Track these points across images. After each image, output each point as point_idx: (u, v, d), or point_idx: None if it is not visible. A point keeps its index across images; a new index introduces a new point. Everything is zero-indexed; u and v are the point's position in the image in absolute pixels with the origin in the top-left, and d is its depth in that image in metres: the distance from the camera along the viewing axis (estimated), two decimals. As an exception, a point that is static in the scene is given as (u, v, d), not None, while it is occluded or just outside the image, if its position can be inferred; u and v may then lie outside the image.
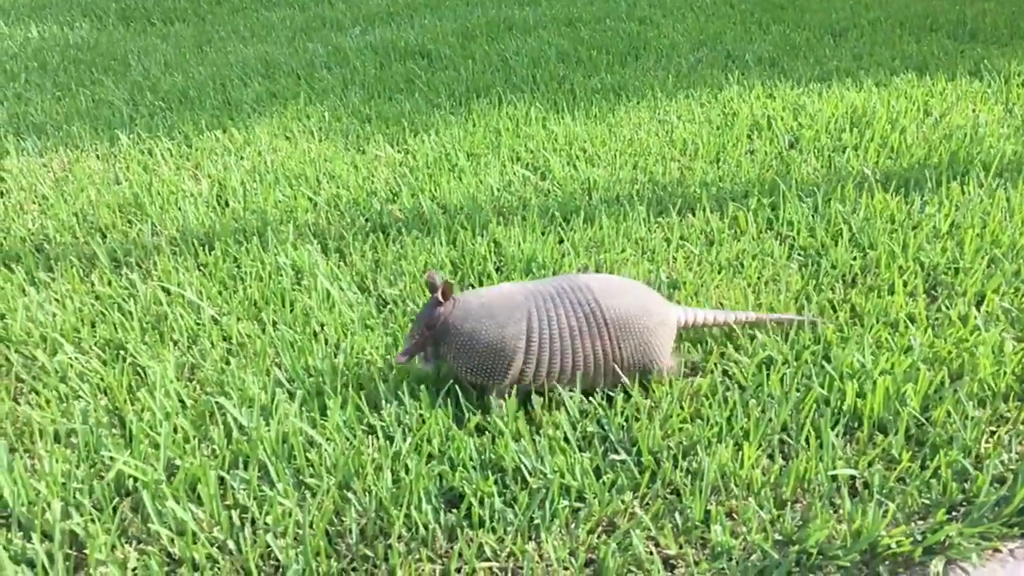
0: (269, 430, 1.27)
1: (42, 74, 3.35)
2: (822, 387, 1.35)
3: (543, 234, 1.94)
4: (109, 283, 1.79)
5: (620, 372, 1.30)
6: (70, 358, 1.49)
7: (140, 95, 3.05)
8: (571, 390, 1.30)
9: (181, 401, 1.40)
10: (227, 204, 2.18)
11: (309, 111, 2.86)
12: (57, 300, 1.72)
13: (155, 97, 3.02)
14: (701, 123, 2.62)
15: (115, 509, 1.17)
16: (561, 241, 1.90)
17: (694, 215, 2.00)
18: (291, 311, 1.66)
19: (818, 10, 4.05)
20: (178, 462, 1.24)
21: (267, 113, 2.85)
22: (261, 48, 3.76)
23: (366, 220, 2.09)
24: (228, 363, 1.50)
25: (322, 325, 1.60)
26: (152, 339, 1.58)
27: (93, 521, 1.15)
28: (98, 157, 2.49)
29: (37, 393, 1.43)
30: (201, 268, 1.85)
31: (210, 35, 4.03)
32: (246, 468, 1.24)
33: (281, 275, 1.79)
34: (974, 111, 2.61)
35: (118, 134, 2.63)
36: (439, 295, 1.30)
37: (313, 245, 1.91)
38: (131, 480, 1.21)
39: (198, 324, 1.61)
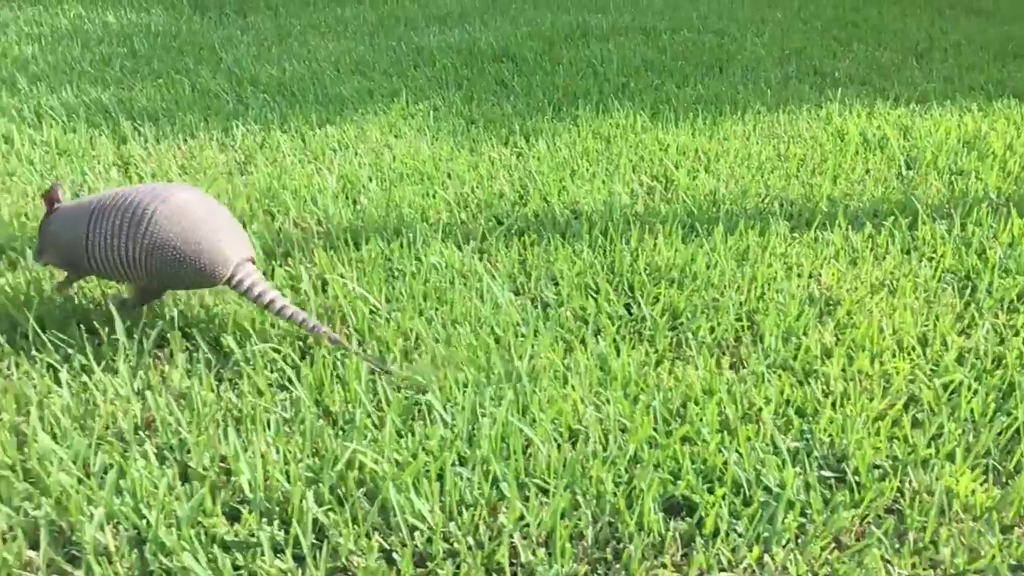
0: (486, 429, 1.29)
1: (134, 60, 3.36)
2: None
3: (685, 243, 1.96)
4: (271, 273, 1.81)
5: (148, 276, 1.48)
6: (267, 348, 1.51)
7: (240, 86, 3.07)
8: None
9: (374, 394, 1.42)
10: (355, 201, 2.19)
11: (412, 110, 2.88)
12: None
13: (256, 89, 3.03)
14: (809, 139, 2.64)
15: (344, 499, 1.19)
16: (699, 249, 1.92)
17: (830, 231, 2.02)
18: (453, 309, 1.68)
19: (896, 30, 4.08)
20: (396, 456, 1.26)
21: (370, 110, 2.87)
22: (343, 44, 3.78)
23: (498, 221, 2.11)
24: (410, 359, 1.52)
25: (491, 327, 1.62)
26: (332, 329, 1.60)
27: (333, 511, 1.17)
28: (219, 146, 2.51)
29: (236, 383, 1.45)
30: (353, 264, 1.86)
31: (289, 28, 4.05)
32: (463, 465, 1.26)
33: (436, 273, 1.81)
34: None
35: (232, 124, 2.65)
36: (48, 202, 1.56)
37: (469, 246, 1.93)
38: (357, 471, 1.23)
39: (372, 318, 1.63)
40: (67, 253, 1.52)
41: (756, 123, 2.78)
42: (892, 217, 2.06)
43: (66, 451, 1.23)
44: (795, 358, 1.55)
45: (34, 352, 1.50)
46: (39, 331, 1.52)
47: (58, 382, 1.43)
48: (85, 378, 1.43)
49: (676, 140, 2.60)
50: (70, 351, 1.49)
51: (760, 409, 1.40)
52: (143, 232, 1.44)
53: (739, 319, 1.67)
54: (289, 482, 1.21)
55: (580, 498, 1.20)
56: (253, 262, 1.54)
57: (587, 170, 2.40)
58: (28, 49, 3.48)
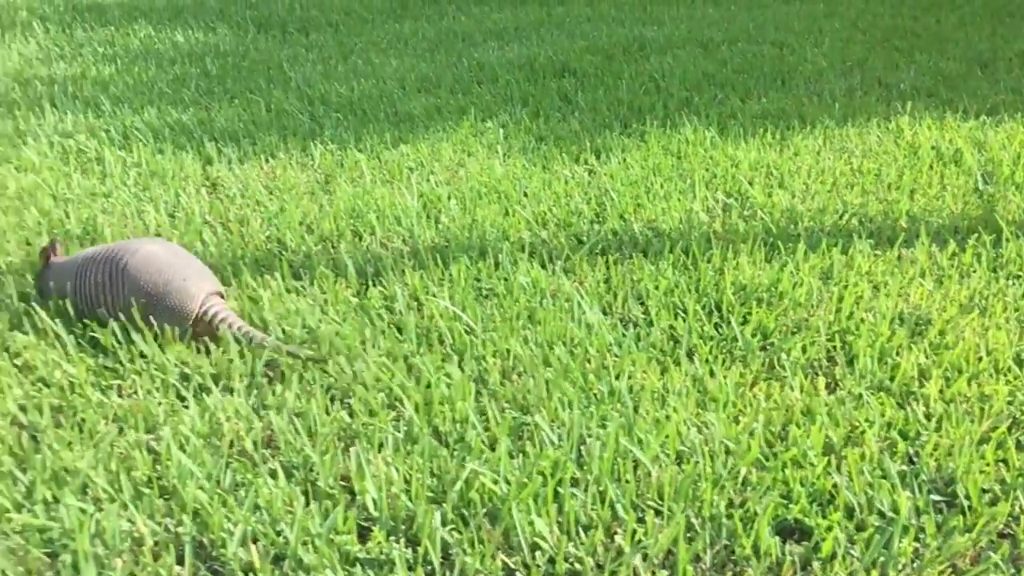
0: (597, 451, 1.33)
1: (208, 80, 3.46)
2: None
3: (768, 262, 1.98)
4: (362, 293, 1.86)
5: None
6: (373, 367, 1.56)
7: (312, 105, 3.15)
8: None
9: (481, 414, 1.46)
10: (437, 221, 2.24)
11: (481, 127, 2.93)
12: (320, 308, 1.79)
13: (328, 108, 3.11)
14: (881, 154, 2.64)
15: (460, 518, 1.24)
16: (783, 268, 1.94)
17: (913, 249, 2.03)
18: (546, 329, 1.72)
19: (957, 39, 4.05)
20: (511, 477, 1.30)
21: (440, 128, 2.93)
22: (405, 61, 3.85)
23: (578, 240, 2.15)
24: (511, 379, 1.57)
25: (585, 347, 1.66)
26: (424, 350, 1.65)
27: (457, 531, 1.21)
28: (299, 165, 2.58)
29: (347, 403, 1.50)
30: (445, 283, 1.91)
31: (351, 46, 4.13)
32: (575, 486, 1.30)
33: (525, 293, 1.85)
34: None
35: (310, 144, 2.72)
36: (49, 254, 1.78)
37: (554, 265, 1.97)
38: (477, 491, 1.27)
39: (468, 336, 1.68)
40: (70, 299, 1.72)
41: (826, 137, 2.79)
42: (975, 234, 2.06)
43: (200, 468, 1.29)
44: (892, 379, 1.56)
45: (155, 371, 1.56)
46: (161, 350, 1.59)
47: (180, 399, 1.50)
48: (204, 397, 1.49)
49: (747, 156, 2.62)
50: (187, 370, 1.56)
51: (863, 432, 1.41)
52: (120, 285, 1.64)
53: (830, 339, 1.69)
54: (412, 501, 1.25)
55: (694, 520, 1.23)
56: (222, 296, 1.71)
57: (660, 187, 2.43)
58: (105, 70, 3.61)
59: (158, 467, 1.33)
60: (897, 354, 1.64)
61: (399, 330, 1.73)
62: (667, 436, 1.38)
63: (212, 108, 3.09)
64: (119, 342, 1.63)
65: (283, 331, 1.71)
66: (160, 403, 1.48)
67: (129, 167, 2.52)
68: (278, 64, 3.75)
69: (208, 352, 1.63)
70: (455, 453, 1.37)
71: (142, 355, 1.61)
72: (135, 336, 1.62)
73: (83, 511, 1.20)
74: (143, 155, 2.59)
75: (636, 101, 3.18)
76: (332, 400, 1.51)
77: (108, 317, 1.66)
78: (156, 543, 1.18)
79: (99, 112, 2.99)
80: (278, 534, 1.19)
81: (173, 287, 1.64)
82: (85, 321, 1.69)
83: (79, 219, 2.16)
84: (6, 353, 1.63)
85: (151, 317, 1.64)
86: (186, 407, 1.47)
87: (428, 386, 1.54)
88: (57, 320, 1.67)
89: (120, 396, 1.51)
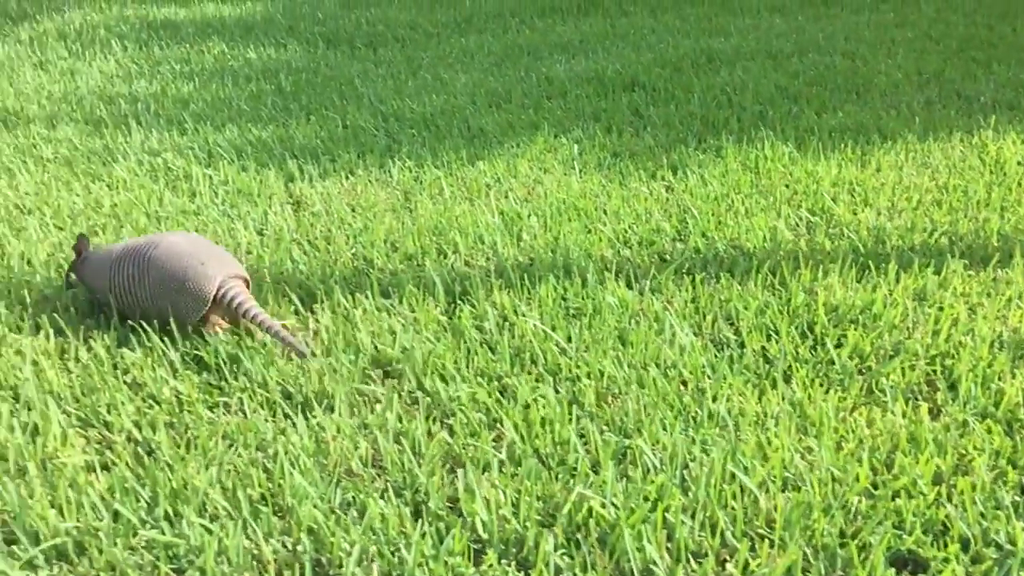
0: (703, 476, 1.33)
1: (283, 97, 3.54)
2: None
3: (859, 282, 1.96)
4: (451, 312, 1.89)
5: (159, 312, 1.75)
6: (469, 389, 1.58)
7: (387, 122, 3.20)
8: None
9: (580, 436, 1.47)
10: (519, 238, 2.26)
11: (555, 143, 2.94)
12: (412, 327, 1.82)
13: (402, 124, 3.16)
14: (965, 169, 2.59)
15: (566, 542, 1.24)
16: (876, 289, 1.91)
17: (1008, 270, 1.98)
18: (638, 350, 1.72)
19: (1037, 49, 3.94)
20: (616, 501, 1.31)
21: (514, 143, 2.95)
22: (473, 76, 3.89)
23: (661, 258, 2.15)
24: (607, 401, 1.57)
25: (679, 369, 1.66)
26: (517, 370, 1.67)
27: (569, 555, 1.22)
28: (378, 182, 2.63)
29: (447, 423, 1.52)
30: (533, 303, 1.93)
31: (418, 61, 4.18)
32: (683, 512, 1.30)
33: (613, 312, 1.86)
34: None
35: (388, 160, 2.77)
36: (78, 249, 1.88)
37: (641, 284, 1.97)
38: (585, 515, 1.28)
39: (561, 357, 1.69)
40: (99, 292, 1.83)
41: (907, 152, 2.74)
42: (1075, 255, 2.01)
43: (313, 487, 1.32)
44: (996, 406, 1.53)
45: (256, 388, 1.61)
46: (264, 370, 1.63)
47: (285, 417, 1.53)
48: (308, 415, 1.53)
49: (828, 172, 2.59)
50: (291, 389, 1.60)
51: (971, 460, 1.39)
52: (146, 275, 1.73)
53: (929, 363, 1.66)
54: (521, 524, 1.27)
55: (807, 550, 1.22)
56: (247, 282, 1.78)
57: (741, 204, 2.41)
58: (184, 87, 3.71)
59: (270, 485, 1.36)
60: (1000, 379, 1.60)
61: (491, 350, 1.74)
62: (774, 463, 1.37)
63: (290, 125, 3.16)
64: (224, 360, 1.68)
65: (376, 349, 1.74)
66: (267, 420, 1.52)
67: (216, 185, 2.59)
68: (349, 80, 3.81)
69: (305, 371, 1.66)
70: (558, 476, 1.38)
71: (245, 373, 1.65)
72: (241, 354, 1.66)
73: (208, 529, 1.24)
74: (228, 173, 2.66)
75: (709, 115, 3.17)
76: (432, 420, 1.53)
77: (139, 308, 1.76)
78: (277, 562, 1.21)
79: (183, 130, 3.08)
80: (394, 554, 1.21)
81: (191, 271, 1.71)
82: (189, 339, 1.74)
83: (173, 236, 2.23)
84: (115, 370, 1.68)
85: (175, 304, 1.72)
86: (293, 425, 1.50)
87: (526, 407, 1.55)
88: (164, 338, 1.73)
89: (228, 413, 1.56)
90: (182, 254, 1.73)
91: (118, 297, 1.78)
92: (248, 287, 1.79)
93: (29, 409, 1.54)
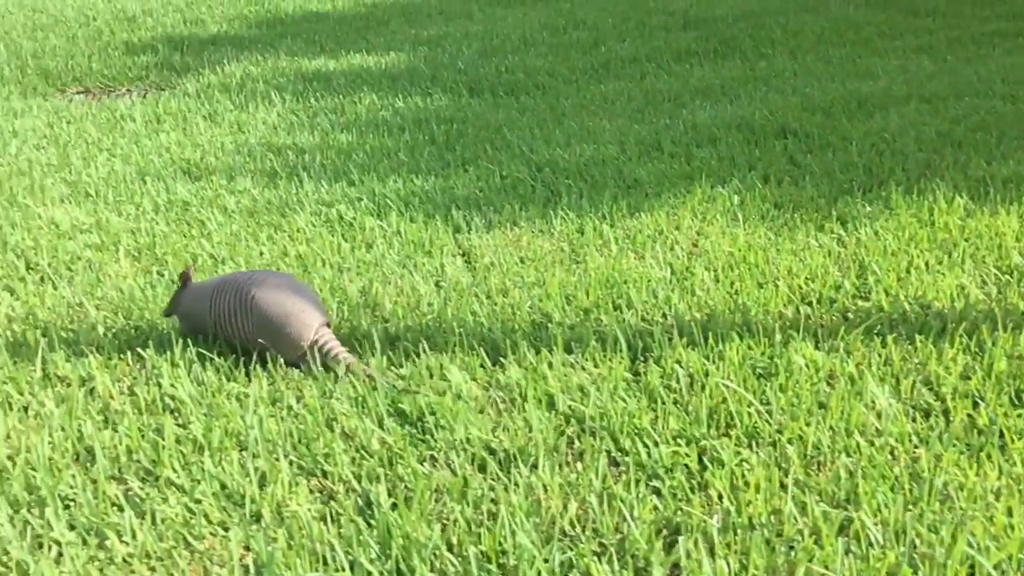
0: (940, 557, 1.28)
1: (437, 146, 3.67)
2: None
3: (1067, 348, 1.86)
4: (636, 369, 1.90)
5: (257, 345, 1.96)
6: (667, 450, 1.59)
7: (540, 171, 3.27)
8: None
9: (797, 504, 1.45)
10: (692, 293, 2.26)
11: (714, 193, 2.93)
12: (600, 383, 1.84)
13: (556, 174, 3.22)
14: None
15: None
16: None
17: None
18: (839, 415, 1.68)
19: None
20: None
21: (671, 193, 2.96)
22: (618, 123, 3.93)
23: (843, 316, 2.10)
24: (813, 468, 1.55)
25: (885, 437, 1.61)
26: (714, 432, 1.66)
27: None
28: (540, 233, 2.68)
29: (653, 485, 1.53)
30: (713, 360, 1.92)
31: (561, 108, 4.26)
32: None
33: (804, 374, 1.83)
34: None
35: (549, 211, 2.83)
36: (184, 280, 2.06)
37: (833, 344, 1.93)
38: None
39: (758, 419, 1.67)
40: (197, 319, 2.02)
41: (1096, 204, 2.60)
42: None
43: (535, 548, 1.35)
44: None
45: (459, 443, 1.66)
46: (466, 428, 1.69)
47: (495, 478, 1.58)
48: (514, 472, 1.57)
49: (1009, 225, 2.49)
50: (493, 445, 1.65)
51: None
52: (247, 313, 1.92)
53: None
54: (749, 598, 1.26)
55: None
56: (329, 326, 1.96)
57: (920, 259, 2.34)
58: (343, 138, 3.90)
59: (491, 542, 1.40)
60: None
61: (684, 409, 1.75)
62: (1008, 545, 1.31)
63: (449, 176, 3.27)
64: (423, 412, 1.75)
65: (570, 408, 1.77)
66: (472, 475, 1.57)
67: (389, 236, 2.70)
68: (496, 128, 3.92)
69: (505, 429, 1.71)
70: (777, 547, 1.36)
71: (445, 426, 1.71)
72: (440, 409, 1.73)
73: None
74: (398, 224, 2.78)
75: (872, 164, 3.10)
76: (637, 482, 1.54)
77: (238, 337, 1.95)
78: (510, 622, 1.24)
79: (350, 180, 3.24)
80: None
81: (292, 318, 1.91)
82: (389, 393, 1.82)
83: (358, 288, 2.34)
84: (323, 418, 1.77)
85: (273, 343, 1.92)
86: (504, 485, 1.54)
87: (732, 473, 1.54)
88: (370, 392, 1.81)
89: (436, 467, 1.62)
90: (283, 300, 1.92)
91: (217, 323, 1.96)
92: (329, 327, 1.97)
93: (255, 456, 1.64)
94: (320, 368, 1.90)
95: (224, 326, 1.96)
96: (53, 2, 7.62)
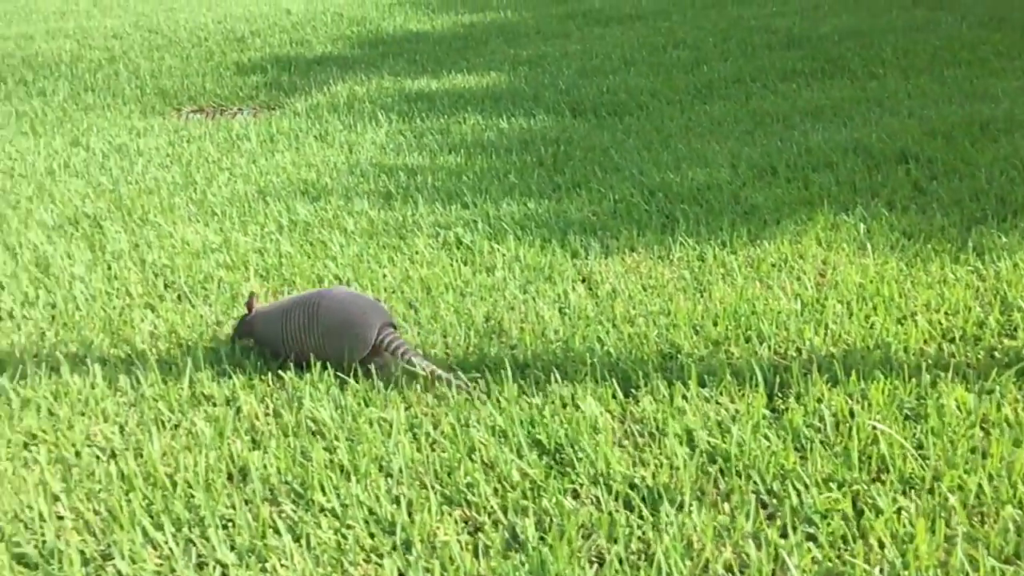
0: None
1: (546, 168, 3.68)
2: None
3: None
4: (775, 406, 1.86)
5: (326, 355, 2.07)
6: (819, 496, 1.54)
7: (653, 195, 3.24)
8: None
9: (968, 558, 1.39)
10: (825, 326, 2.20)
11: (836, 221, 2.86)
12: (741, 420, 1.80)
13: (671, 198, 3.19)
14: None
15: None
16: None
17: None
18: (1000, 462, 1.61)
19: None
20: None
21: (791, 221, 2.90)
22: (727, 145, 3.87)
23: (990, 355, 2.01)
24: (976, 519, 1.48)
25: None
26: (869, 476, 1.61)
27: None
28: (659, 260, 2.66)
29: (804, 529, 1.49)
30: (856, 397, 1.86)
31: (666, 130, 4.23)
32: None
33: (956, 419, 1.76)
34: None
35: (668, 238, 2.80)
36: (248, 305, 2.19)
37: (985, 386, 1.85)
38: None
39: (916, 465, 1.61)
40: (269, 341, 2.13)
41: None
42: None
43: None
44: None
45: (600, 477, 1.65)
46: (606, 464, 1.67)
47: (631, 509, 1.56)
48: (660, 512, 1.55)
49: None
50: (636, 480, 1.63)
51: None
52: (315, 323, 2.03)
53: None
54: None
55: None
56: (394, 327, 2.08)
57: (1070, 296, 2.22)
58: (450, 159, 3.95)
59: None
60: None
61: (832, 451, 1.70)
62: None
63: (562, 199, 3.28)
64: (561, 444, 1.74)
65: (710, 445, 1.74)
66: (618, 512, 1.55)
67: (508, 260, 2.72)
68: (603, 149, 3.91)
69: (645, 464, 1.69)
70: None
71: (583, 458, 1.70)
72: (575, 440, 1.72)
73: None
74: (516, 248, 2.79)
75: (1004, 192, 2.97)
76: (794, 528, 1.50)
77: (307, 352, 2.05)
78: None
79: (463, 203, 3.27)
80: None
81: (356, 319, 2.04)
82: (530, 420, 1.82)
83: (483, 313, 2.36)
84: (463, 447, 1.79)
85: (340, 348, 2.02)
86: (650, 524, 1.52)
87: (887, 521, 1.49)
88: (506, 420, 1.82)
89: (578, 501, 1.61)
90: (346, 305, 2.08)
91: (287, 343, 2.07)
92: (395, 330, 2.08)
93: (399, 483, 1.67)
94: (395, 370, 2.02)
95: (296, 343, 2.07)
96: (168, 23, 7.98)
